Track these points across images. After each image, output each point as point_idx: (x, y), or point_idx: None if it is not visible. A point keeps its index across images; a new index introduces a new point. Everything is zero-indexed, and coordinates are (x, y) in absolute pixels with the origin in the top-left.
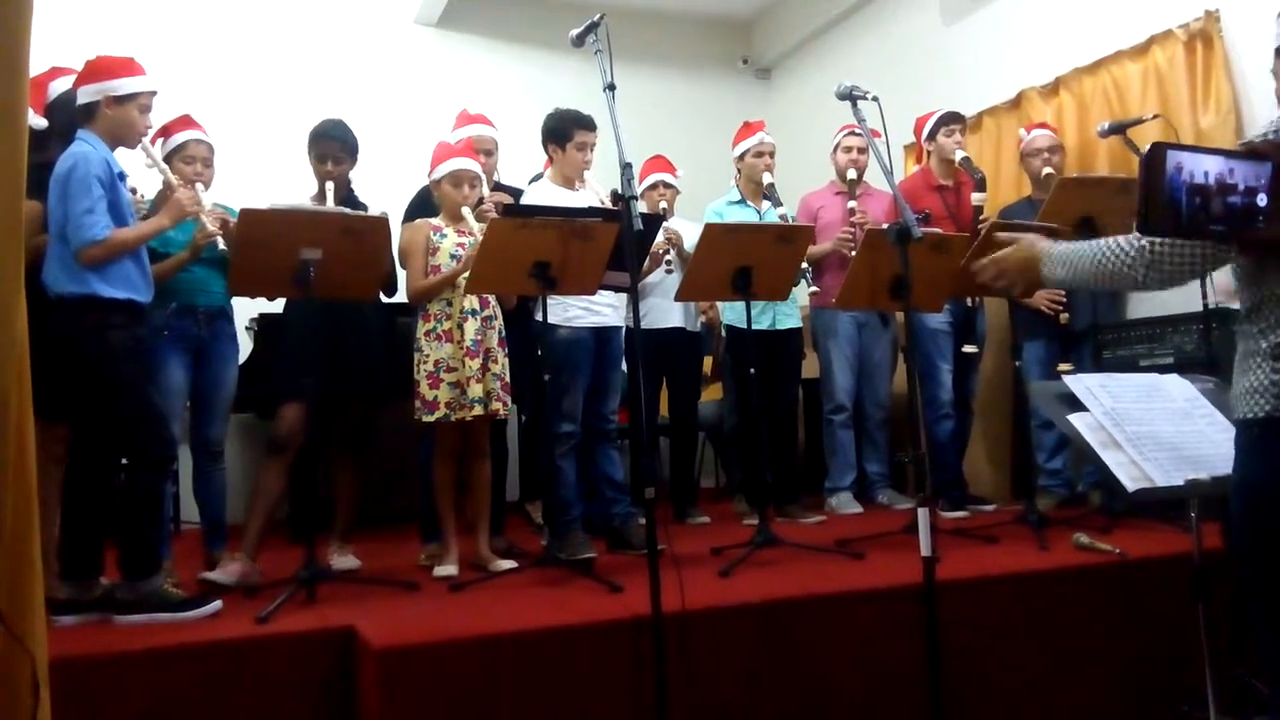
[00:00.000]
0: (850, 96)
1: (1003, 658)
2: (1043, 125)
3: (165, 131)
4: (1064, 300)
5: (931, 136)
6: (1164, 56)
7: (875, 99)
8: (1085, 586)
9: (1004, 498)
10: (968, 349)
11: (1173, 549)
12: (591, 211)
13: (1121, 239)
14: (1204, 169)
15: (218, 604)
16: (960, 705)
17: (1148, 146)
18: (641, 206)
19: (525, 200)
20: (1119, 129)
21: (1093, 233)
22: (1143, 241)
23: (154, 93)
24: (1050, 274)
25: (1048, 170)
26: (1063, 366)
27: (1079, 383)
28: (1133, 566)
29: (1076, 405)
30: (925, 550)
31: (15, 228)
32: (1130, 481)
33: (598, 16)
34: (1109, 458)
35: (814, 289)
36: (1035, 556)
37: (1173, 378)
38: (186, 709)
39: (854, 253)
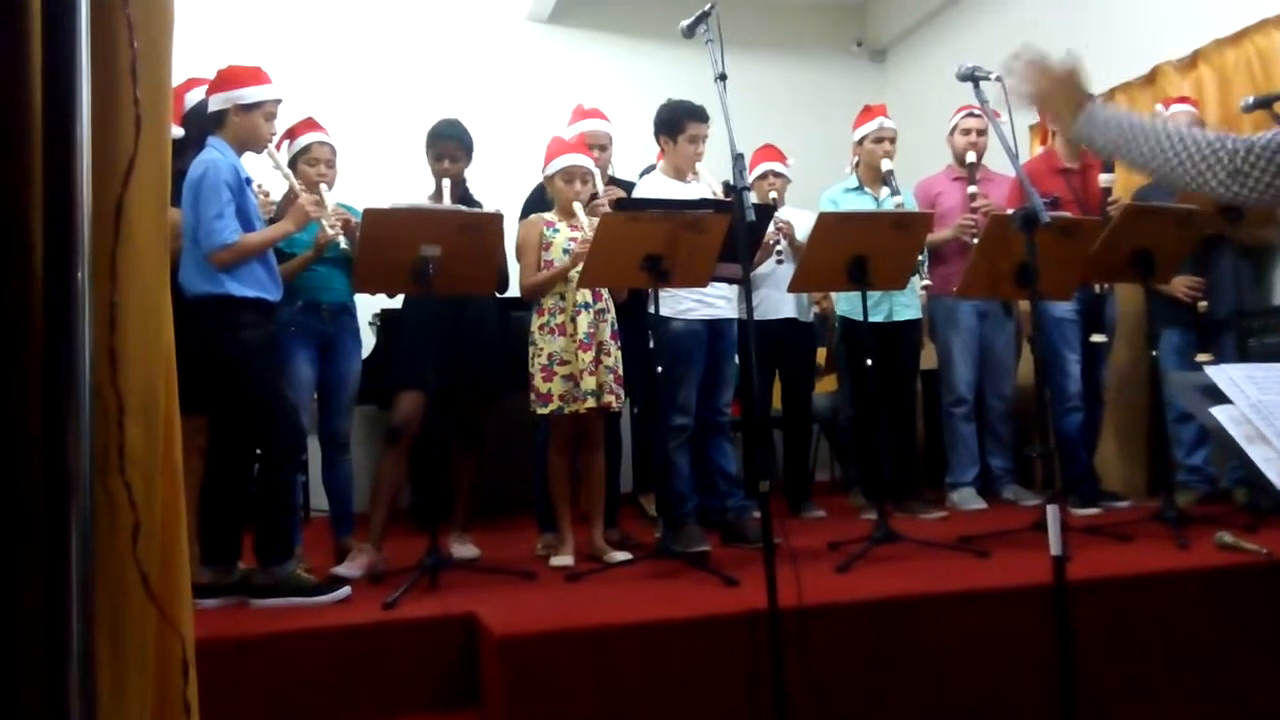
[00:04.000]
0: (972, 77)
1: (1139, 663)
2: (1182, 100)
3: (291, 134)
4: (1202, 288)
5: None
6: None
7: (999, 79)
8: (1229, 588)
9: (1138, 494)
10: (1096, 338)
11: None
12: (702, 203)
13: (1205, 135)
14: None
15: (347, 589)
16: (1093, 713)
17: None
18: (752, 197)
19: (637, 193)
20: (1265, 103)
21: (1236, 215)
22: (1238, 144)
23: (279, 100)
24: (1083, 132)
25: None
26: (1201, 357)
27: (1221, 373)
28: None
29: (1218, 397)
30: (1055, 549)
31: (163, 235)
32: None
33: (708, 6)
34: (1255, 453)
35: (927, 282)
36: (1174, 556)
37: None
38: (317, 689)
39: (975, 240)
